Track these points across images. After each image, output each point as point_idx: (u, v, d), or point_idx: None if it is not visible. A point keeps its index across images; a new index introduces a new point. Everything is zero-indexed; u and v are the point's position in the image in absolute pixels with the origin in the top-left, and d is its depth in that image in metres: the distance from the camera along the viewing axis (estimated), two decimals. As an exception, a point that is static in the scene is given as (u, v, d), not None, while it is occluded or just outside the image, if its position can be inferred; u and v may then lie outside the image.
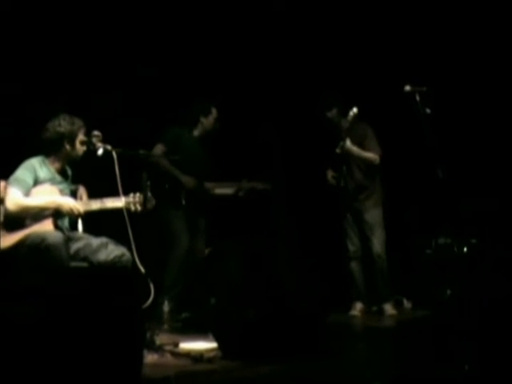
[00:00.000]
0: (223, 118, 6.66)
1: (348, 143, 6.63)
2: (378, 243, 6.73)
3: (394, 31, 7.33)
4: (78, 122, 5.08)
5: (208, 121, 6.56)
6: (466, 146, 7.04)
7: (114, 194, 4.99)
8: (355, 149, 6.66)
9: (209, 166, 6.55)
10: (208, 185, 6.56)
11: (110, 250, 4.88)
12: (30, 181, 4.92)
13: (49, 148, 5.07)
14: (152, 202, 5.03)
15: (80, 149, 5.09)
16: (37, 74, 6.24)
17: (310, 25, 7.42)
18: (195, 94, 6.84)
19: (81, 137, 5.07)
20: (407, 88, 5.39)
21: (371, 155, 6.72)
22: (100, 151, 5.04)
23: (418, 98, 5.33)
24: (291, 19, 7.41)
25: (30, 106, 5.98)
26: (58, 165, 5.10)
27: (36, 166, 4.99)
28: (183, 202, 6.34)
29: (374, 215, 6.76)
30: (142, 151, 5.23)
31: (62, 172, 5.14)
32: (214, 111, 6.57)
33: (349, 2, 7.37)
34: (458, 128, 6.99)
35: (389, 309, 6.72)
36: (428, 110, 5.30)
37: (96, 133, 5.10)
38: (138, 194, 5.04)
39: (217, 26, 7.26)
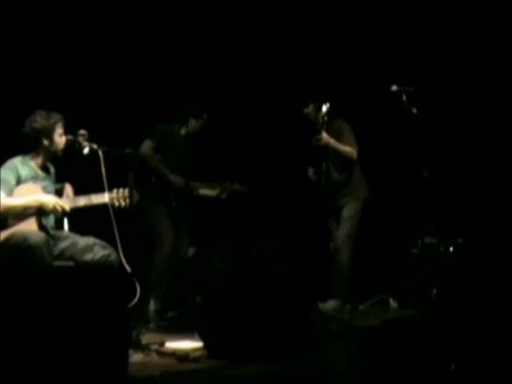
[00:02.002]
0: (215, 117, 6.66)
1: (324, 135, 6.45)
2: (341, 236, 6.59)
3: (382, 32, 7.34)
4: (55, 117, 5.07)
5: (197, 123, 6.55)
6: (453, 145, 7.06)
7: (100, 192, 5.01)
8: (332, 141, 6.48)
9: (194, 165, 6.55)
10: (194, 184, 6.55)
11: (96, 250, 4.87)
12: (13, 180, 4.90)
13: (27, 144, 5.07)
14: (136, 197, 5.05)
15: (59, 143, 5.08)
16: (25, 70, 6.21)
17: (297, 27, 7.43)
18: (187, 92, 6.83)
19: (59, 131, 5.06)
20: (394, 88, 5.40)
21: (349, 149, 6.56)
22: (86, 150, 5.04)
23: (404, 97, 5.35)
24: (289, 21, 7.41)
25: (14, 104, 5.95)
26: (39, 160, 5.09)
27: (17, 165, 4.98)
28: (173, 204, 6.34)
29: (346, 210, 6.64)
30: (128, 150, 5.22)
31: (44, 167, 5.13)
32: (204, 116, 6.55)
33: (337, 6, 7.37)
34: (445, 128, 7.01)
35: (329, 306, 6.49)
36: (414, 110, 5.32)
37: (82, 132, 5.10)
38: (121, 190, 5.05)
39: (213, 27, 7.25)
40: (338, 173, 6.68)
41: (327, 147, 6.50)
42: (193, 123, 6.53)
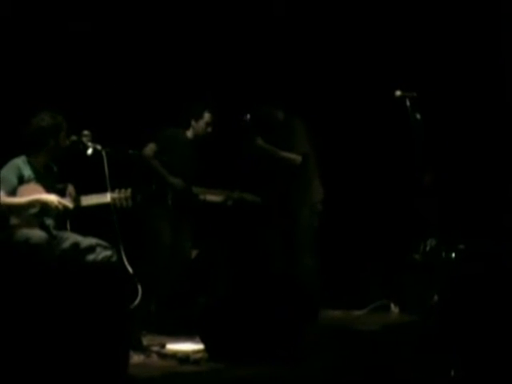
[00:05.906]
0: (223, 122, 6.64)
1: (259, 141, 6.37)
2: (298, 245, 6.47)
3: (386, 37, 7.34)
4: (60, 118, 5.12)
5: (198, 125, 6.46)
6: (457, 150, 7.05)
7: (103, 192, 5.04)
8: (268, 147, 6.38)
9: (200, 170, 6.51)
10: (198, 190, 6.53)
11: (98, 251, 4.88)
12: (15, 180, 4.93)
13: (33, 143, 5.10)
14: (139, 197, 5.08)
15: (63, 143, 5.12)
16: (29, 72, 6.23)
17: (299, 32, 7.41)
18: (193, 95, 6.81)
19: (64, 132, 5.11)
20: (398, 93, 5.41)
21: (290, 155, 6.35)
22: (90, 151, 5.08)
23: (408, 103, 5.36)
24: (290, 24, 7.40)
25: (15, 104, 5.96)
26: (42, 160, 5.12)
27: (20, 165, 5.01)
28: (169, 203, 6.31)
29: (299, 218, 6.50)
30: (131, 151, 5.24)
31: (46, 167, 5.16)
32: (206, 116, 6.44)
33: (342, 11, 7.37)
34: (449, 133, 7.01)
35: None
36: (418, 115, 5.32)
37: (86, 132, 5.14)
38: (123, 190, 5.07)
39: (216, 28, 7.25)
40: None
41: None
42: (195, 126, 6.46)
